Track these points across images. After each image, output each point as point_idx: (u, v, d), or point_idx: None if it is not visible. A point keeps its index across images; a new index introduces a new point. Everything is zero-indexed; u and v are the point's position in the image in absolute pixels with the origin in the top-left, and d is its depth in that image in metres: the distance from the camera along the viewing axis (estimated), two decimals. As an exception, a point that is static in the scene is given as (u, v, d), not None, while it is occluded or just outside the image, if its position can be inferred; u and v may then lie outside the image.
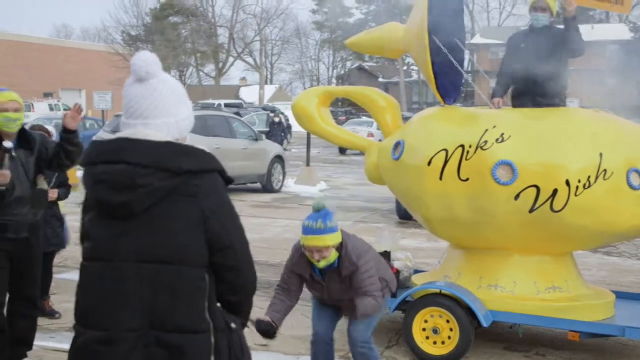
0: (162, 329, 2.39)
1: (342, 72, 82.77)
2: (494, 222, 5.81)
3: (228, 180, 2.54)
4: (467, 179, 5.80)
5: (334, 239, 4.51)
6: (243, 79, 78.20)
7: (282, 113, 31.44)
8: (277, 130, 25.30)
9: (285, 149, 21.47)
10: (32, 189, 5.02)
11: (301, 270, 4.68)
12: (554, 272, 5.99)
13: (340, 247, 4.58)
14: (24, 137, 5.06)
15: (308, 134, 24.41)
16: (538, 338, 6.53)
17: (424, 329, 5.82)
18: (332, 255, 4.53)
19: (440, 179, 5.88)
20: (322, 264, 4.53)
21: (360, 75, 71.91)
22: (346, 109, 52.84)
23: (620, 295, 6.42)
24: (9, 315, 5.09)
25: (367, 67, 74.53)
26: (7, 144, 4.94)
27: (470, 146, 5.78)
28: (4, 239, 4.95)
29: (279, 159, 17.55)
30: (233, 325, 2.54)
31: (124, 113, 2.54)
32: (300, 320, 6.43)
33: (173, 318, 2.40)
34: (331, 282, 4.65)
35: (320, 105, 6.69)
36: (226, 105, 39.70)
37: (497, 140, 5.73)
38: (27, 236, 5.04)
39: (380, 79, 67.79)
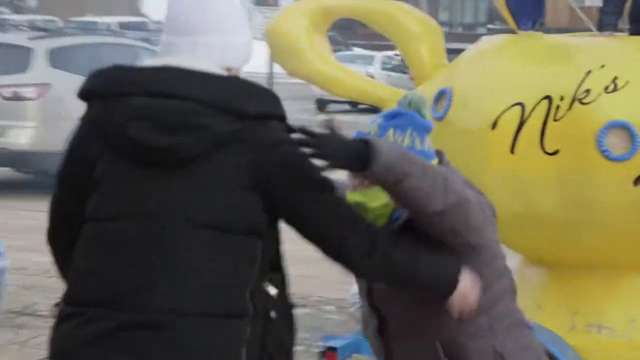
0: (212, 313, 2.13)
1: None
2: (600, 221, 4.51)
3: (291, 130, 2.28)
4: (557, 152, 4.50)
5: None
6: None
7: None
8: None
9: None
10: None
11: None
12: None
13: None
14: None
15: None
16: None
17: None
18: None
19: (512, 151, 4.58)
20: None
21: None
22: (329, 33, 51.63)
23: None
24: None
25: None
26: None
27: (561, 98, 4.46)
28: None
29: None
30: (273, 314, 2.30)
31: (167, 29, 2.30)
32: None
33: (214, 298, 2.14)
34: None
35: (314, 30, 4.93)
36: None
37: (606, 89, 4.43)
38: None
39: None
